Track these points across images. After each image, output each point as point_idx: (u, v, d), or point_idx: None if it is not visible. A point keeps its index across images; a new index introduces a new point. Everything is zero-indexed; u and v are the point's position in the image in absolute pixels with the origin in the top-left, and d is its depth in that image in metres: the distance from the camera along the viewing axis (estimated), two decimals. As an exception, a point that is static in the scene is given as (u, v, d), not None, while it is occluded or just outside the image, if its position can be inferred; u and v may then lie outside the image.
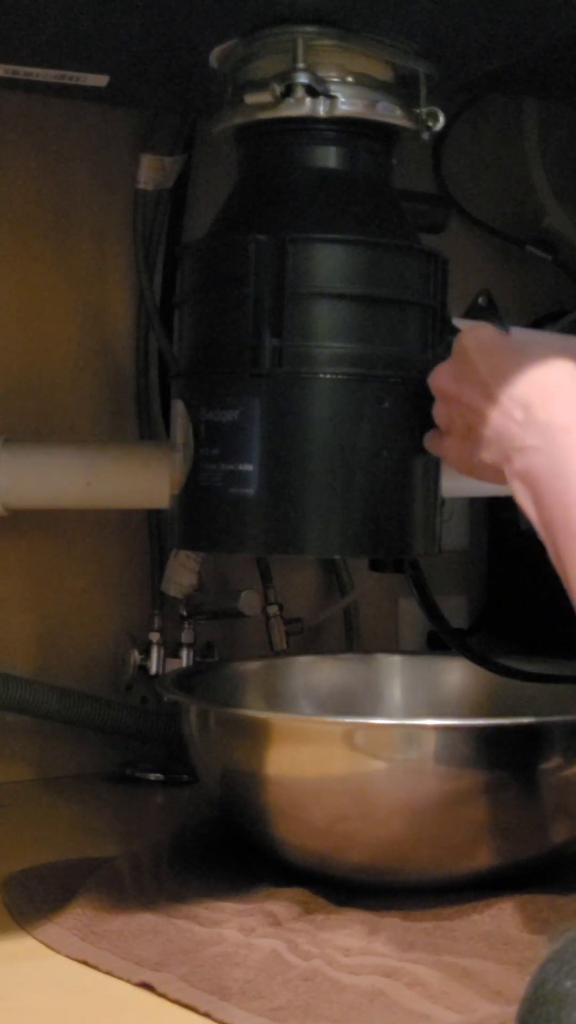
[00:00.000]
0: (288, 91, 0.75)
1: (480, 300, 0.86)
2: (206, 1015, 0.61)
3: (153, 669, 1.02)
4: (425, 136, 0.78)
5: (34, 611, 1.02)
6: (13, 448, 0.93)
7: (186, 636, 1.03)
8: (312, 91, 0.75)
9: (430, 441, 0.73)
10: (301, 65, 0.75)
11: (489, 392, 0.65)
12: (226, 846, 0.81)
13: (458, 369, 0.69)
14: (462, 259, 0.94)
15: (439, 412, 0.71)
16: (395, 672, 0.96)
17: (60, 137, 1.01)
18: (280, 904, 0.72)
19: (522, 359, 0.65)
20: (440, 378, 0.71)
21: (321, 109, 0.75)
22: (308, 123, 0.76)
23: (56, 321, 1.02)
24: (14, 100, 0.98)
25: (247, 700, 0.91)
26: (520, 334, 0.72)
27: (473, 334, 0.70)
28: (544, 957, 0.48)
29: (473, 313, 0.87)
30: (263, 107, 0.76)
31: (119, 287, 1.04)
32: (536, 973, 0.48)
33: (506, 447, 0.63)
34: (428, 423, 0.75)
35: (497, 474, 0.65)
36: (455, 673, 0.93)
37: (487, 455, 0.65)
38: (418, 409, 0.75)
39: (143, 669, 1.02)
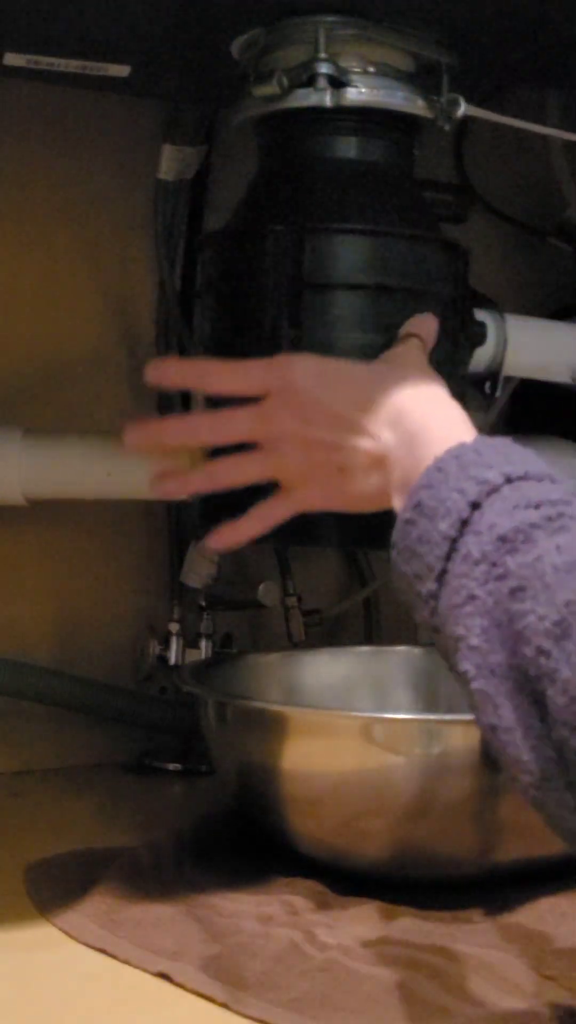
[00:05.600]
0: (310, 81, 0.75)
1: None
2: (223, 1005, 0.61)
3: (172, 659, 1.02)
4: (446, 126, 0.78)
5: (54, 601, 1.03)
6: (33, 439, 0.93)
7: (205, 627, 1.03)
8: (334, 81, 0.75)
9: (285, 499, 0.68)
10: (323, 55, 0.75)
11: (354, 423, 0.64)
12: (246, 837, 0.81)
13: (297, 407, 0.66)
14: (482, 250, 0.93)
15: (292, 460, 0.66)
16: (415, 665, 0.96)
17: (83, 128, 1.01)
18: (298, 895, 0.72)
19: (369, 382, 0.65)
20: (279, 422, 0.66)
21: (341, 99, 0.75)
22: (328, 113, 0.76)
23: (77, 312, 1.02)
24: (37, 91, 0.97)
25: (265, 692, 0.91)
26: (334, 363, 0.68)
27: (301, 365, 0.67)
28: None
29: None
30: (282, 98, 0.76)
31: (141, 278, 1.04)
32: None
33: (384, 469, 0.63)
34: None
35: (377, 499, 0.65)
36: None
37: (371, 483, 0.64)
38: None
39: (162, 659, 1.03)
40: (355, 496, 0.66)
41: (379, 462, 0.64)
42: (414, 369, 0.67)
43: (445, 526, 0.54)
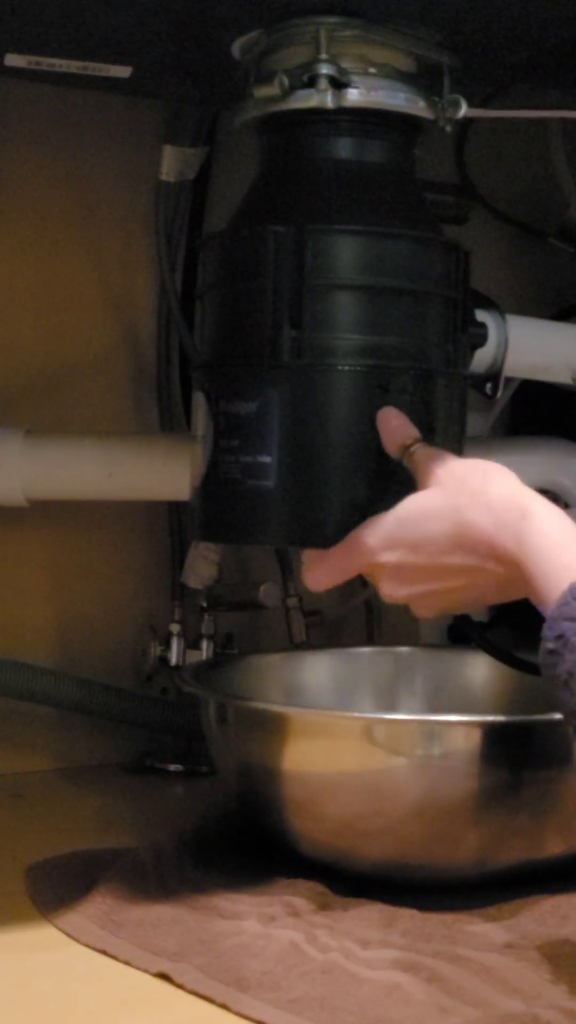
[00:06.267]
0: (311, 82, 0.75)
1: None
2: (223, 1006, 0.61)
3: (173, 660, 1.02)
4: (447, 127, 0.78)
5: (55, 602, 1.03)
6: (35, 439, 0.93)
7: (206, 627, 1.03)
8: (335, 82, 0.75)
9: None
10: (324, 56, 0.75)
11: (460, 567, 0.68)
12: (247, 838, 0.81)
13: (401, 576, 0.70)
14: (483, 251, 0.93)
15: (429, 608, 0.71)
16: (416, 666, 0.96)
17: (84, 129, 1.02)
18: (299, 896, 0.72)
19: (444, 526, 0.68)
20: (397, 591, 0.70)
21: (342, 100, 0.75)
22: (329, 114, 0.76)
23: (79, 312, 1.02)
24: (39, 92, 0.98)
25: (266, 693, 0.91)
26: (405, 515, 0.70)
27: (372, 543, 0.70)
28: None
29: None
30: (282, 99, 0.75)
31: (143, 278, 1.04)
32: None
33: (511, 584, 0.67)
34: (449, 415, 0.75)
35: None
36: (476, 668, 0.93)
37: (508, 594, 0.68)
38: (438, 402, 0.75)
39: (163, 660, 1.03)
40: (501, 600, 0.70)
41: (505, 582, 0.67)
42: (467, 485, 0.68)
43: None
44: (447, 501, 0.68)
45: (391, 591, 0.71)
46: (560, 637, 0.59)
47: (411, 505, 0.69)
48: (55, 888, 0.74)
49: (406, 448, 0.72)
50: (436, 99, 0.77)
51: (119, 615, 1.04)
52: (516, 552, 0.64)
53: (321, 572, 0.73)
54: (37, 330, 1.01)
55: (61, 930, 0.70)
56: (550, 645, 0.60)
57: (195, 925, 0.69)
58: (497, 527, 0.66)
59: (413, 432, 0.72)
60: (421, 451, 0.71)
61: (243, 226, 0.77)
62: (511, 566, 0.65)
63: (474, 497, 0.67)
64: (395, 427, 0.72)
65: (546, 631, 0.61)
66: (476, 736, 0.73)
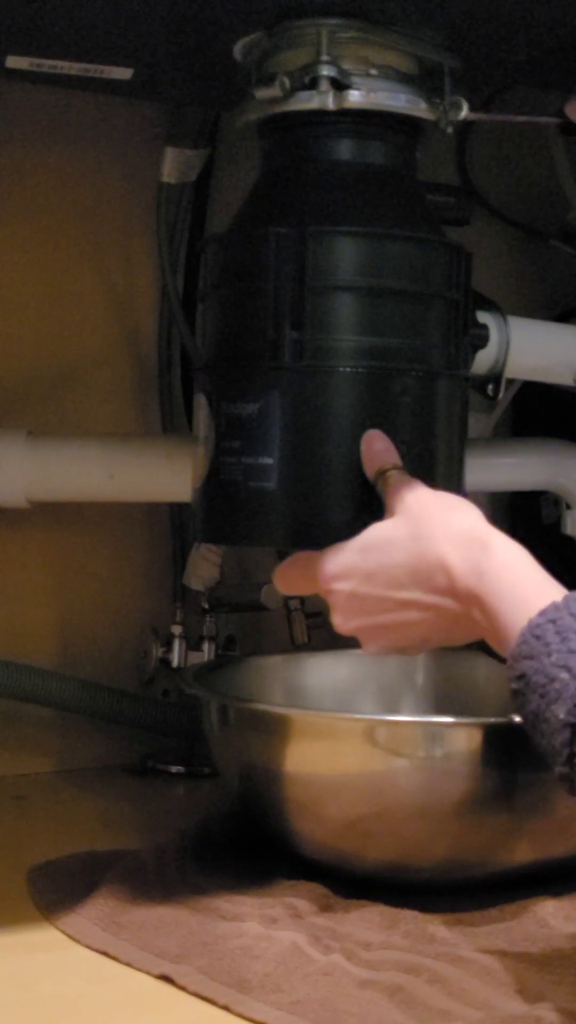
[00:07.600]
0: (312, 83, 0.75)
1: None
2: (225, 1008, 0.61)
3: (175, 662, 1.02)
4: (448, 129, 0.78)
5: (56, 603, 1.03)
6: (36, 440, 0.94)
7: (208, 629, 1.03)
8: (336, 83, 0.75)
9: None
10: (325, 57, 0.75)
11: (415, 601, 0.67)
12: (249, 839, 0.82)
13: (356, 605, 0.68)
14: (485, 252, 0.93)
15: (379, 643, 0.70)
16: (417, 668, 0.96)
17: (86, 130, 1.02)
18: (301, 898, 0.72)
19: (404, 558, 0.67)
20: (348, 622, 0.69)
21: (343, 101, 0.75)
22: (330, 116, 0.76)
23: (81, 314, 1.03)
24: (40, 94, 0.98)
25: (268, 694, 0.91)
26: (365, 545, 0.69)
27: (332, 570, 0.69)
28: None
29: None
30: (283, 100, 0.76)
31: (144, 280, 1.04)
32: None
33: (466, 624, 0.66)
34: (450, 417, 0.75)
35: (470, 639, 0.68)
36: (477, 670, 0.93)
37: (458, 636, 0.67)
38: (439, 403, 0.75)
39: (165, 662, 1.03)
40: (446, 643, 0.69)
41: (455, 621, 0.66)
42: (430, 516, 0.67)
43: (563, 712, 0.56)
44: (407, 530, 0.67)
45: (341, 622, 0.70)
46: (522, 677, 0.59)
47: (372, 534, 0.69)
48: (57, 890, 0.74)
49: (382, 472, 0.71)
50: (437, 101, 0.77)
51: (120, 617, 1.04)
52: (476, 586, 0.63)
53: (284, 579, 0.73)
54: (39, 332, 1.01)
55: (63, 932, 0.70)
56: (514, 685, 0.59)
57: (197, 927, 0.69)
58: (457, 559, 0.64)
59: (393, 459, 0.72)
60: (395, 477, 0.70)
61: (245, 227, 0.78)
62: (467, 601, 0.64)
63: (435, 528, 0.66)
64: (378, 450, 0.72)
65: (508, 671, 0.60)
66: (478, 738, 0.73)
